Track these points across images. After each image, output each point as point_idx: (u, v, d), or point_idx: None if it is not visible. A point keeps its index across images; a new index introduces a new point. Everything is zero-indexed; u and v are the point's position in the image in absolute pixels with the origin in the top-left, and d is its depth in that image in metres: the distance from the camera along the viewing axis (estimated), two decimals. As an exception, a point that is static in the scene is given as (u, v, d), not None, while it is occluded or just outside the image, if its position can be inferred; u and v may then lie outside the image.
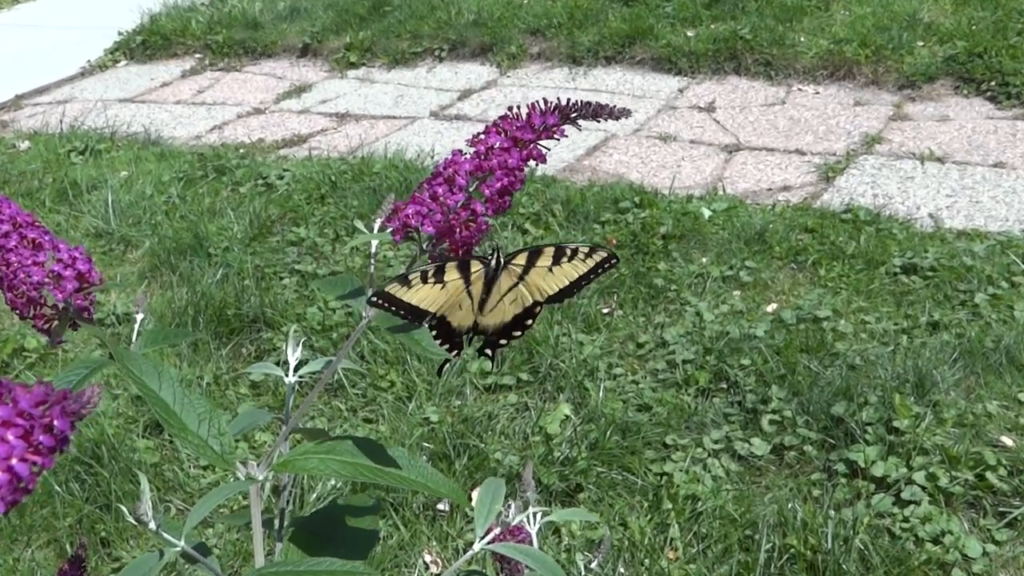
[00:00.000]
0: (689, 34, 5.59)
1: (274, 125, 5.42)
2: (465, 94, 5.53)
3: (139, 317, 1.07)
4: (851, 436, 2.50)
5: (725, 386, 2.77)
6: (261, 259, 3.62)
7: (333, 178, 4.16)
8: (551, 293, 1.00)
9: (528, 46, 5.90)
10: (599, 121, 0.96)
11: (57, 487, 2.57)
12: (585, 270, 0.99)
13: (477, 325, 0.99)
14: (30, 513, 2.57)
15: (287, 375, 1.16)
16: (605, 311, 3.17)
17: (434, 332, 0.97)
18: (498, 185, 0.93)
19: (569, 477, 2.44)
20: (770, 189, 4.12)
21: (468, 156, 0.95)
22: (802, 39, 5.32)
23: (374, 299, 0.94)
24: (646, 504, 2.36)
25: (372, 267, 1.08)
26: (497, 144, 0.94)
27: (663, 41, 5.56)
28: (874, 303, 3.13)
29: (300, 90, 5.93)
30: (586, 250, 1.01)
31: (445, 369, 2.87)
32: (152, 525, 0.88)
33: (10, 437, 0.55)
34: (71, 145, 4.97)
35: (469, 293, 0.97)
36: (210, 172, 4.46)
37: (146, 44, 6.88)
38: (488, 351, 1.01)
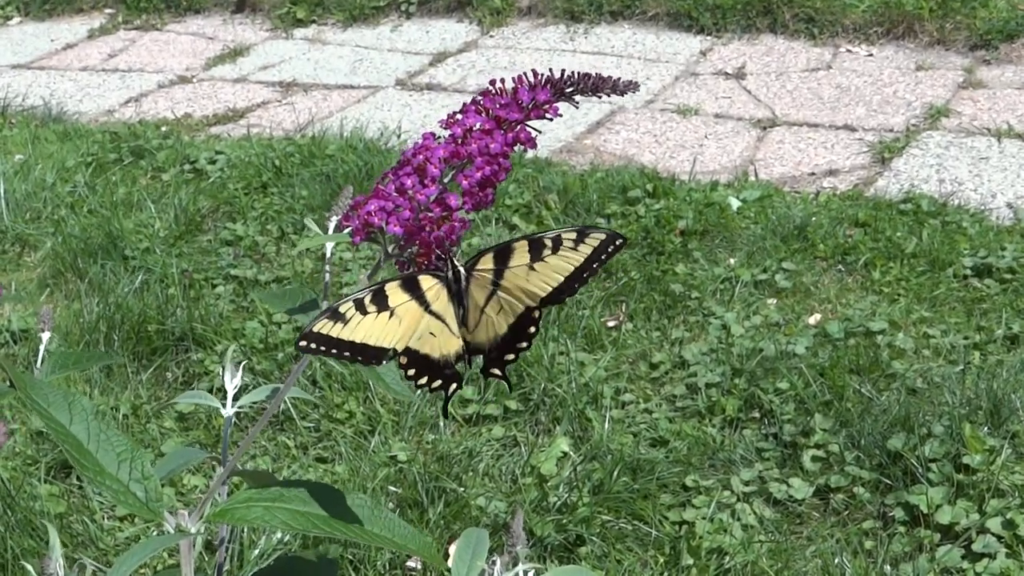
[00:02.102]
0: (713, -17, 5.65)
1: (204, 97, 5.45)
2: (439, 58, 5.57)
3: (44, 336, 1.10)
4: (911, 475, 2.54)
5: (758, 415, 2.81)
6: (189, 262, 3.65)
7: (277, 162, 4.20)
8: (543, 295, 1.02)
9: (516, -1, 5.95)
10: (600, 97, 0.99)
11: (-61, 544, 2.60)
12: (581, 260, 1.01)
13: (469, 345, 1.01)
14: (-94, 576, 2.59)
15: (224, 406, 1.19)
16: (611, 324, 3.21)
17: (410, 371, 0.99)
18: (478, 176, 0.97)
19: (568, 527, 2.47)
20: (813, 174, 4.17)
21: (442, 140, 0.98)
22: (851, -11, 5.38)
23: (303, 343, 0.95)
24: (662, 559, 2.39)
25: (327, 274, 1.12)
26: (477, 125, 0.97)
27: (681, -8, 5.62)
28: (939, 313, 3.17)
29: (236, 53, 5.96)
30: (572, 236, 1.03)
31: (417, 402, 2.90)
32: (65, 588, 0.90)
33: None
34: (-49, 122, 4.99)
35: (435, 314, 1.00)
36: (125, 155, 4.48)
37: (45, -3, 6.91)
38: (495, 370, 1.03)
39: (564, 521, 2.50)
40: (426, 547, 1.00)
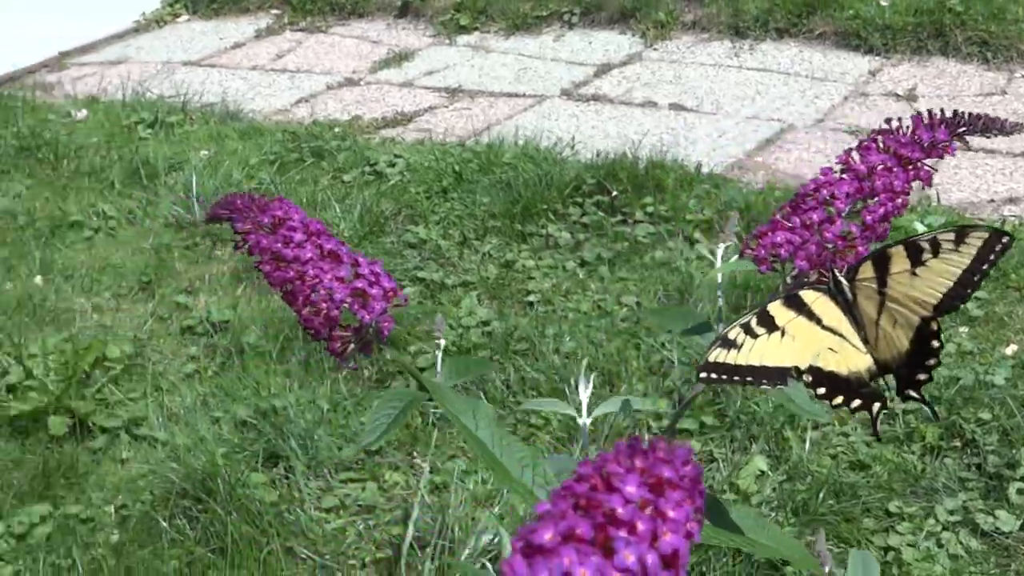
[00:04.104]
0: (883, 3, 5.61)
1: (372, 100, 5.57)
2: (603, 69, 5.62)
3: (440, 343, 1.15)
4: (1122, 513, 2.52)
5: (959, 444, 2.80)
6: (376, 263, 3.75)
7: (457, 168, 4.28)
8: (935, 303, 1.01)
9: (680, 13, 5.97)
10: (988, 137, 1.01)
11: (164, 523, 2.72)
12: (967, 262, 0.99)
13: (878, 363, 1.02)
14: (128, 553, 2.71)
15: (580, 415, 1.24)
16: (801, 344, 3.22)
17: (819, 389, 1.01)
18: (880, 211, 1.00)
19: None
20: (992, 200, 4.13)
21: (842, 176, 1.02)
22: (1027, 14, 5.31)
23: (703, 374, 0.98)
24: (872, 583, 2.41)
25: (720, 299, 1.16)
26: (879, 163, 1.00)
27: (850, 11, 5.59)
28: None
29: (400, 58, 6.08)
30: (950, 237, 1.01)
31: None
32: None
33: (670, 507, 0.61)
34: (137, 116, 5.17)
35: (829, 329, 1.01)
36: (306, 155, 4.61)
37: (213, -4, 7.12)
38: (911, 392, 1.04)
39: (769, 539, 2.53)
40: (806, 558, 1.04)
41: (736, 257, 1.12)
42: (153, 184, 4.46)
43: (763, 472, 2.77)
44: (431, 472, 2.89)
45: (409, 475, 2.91)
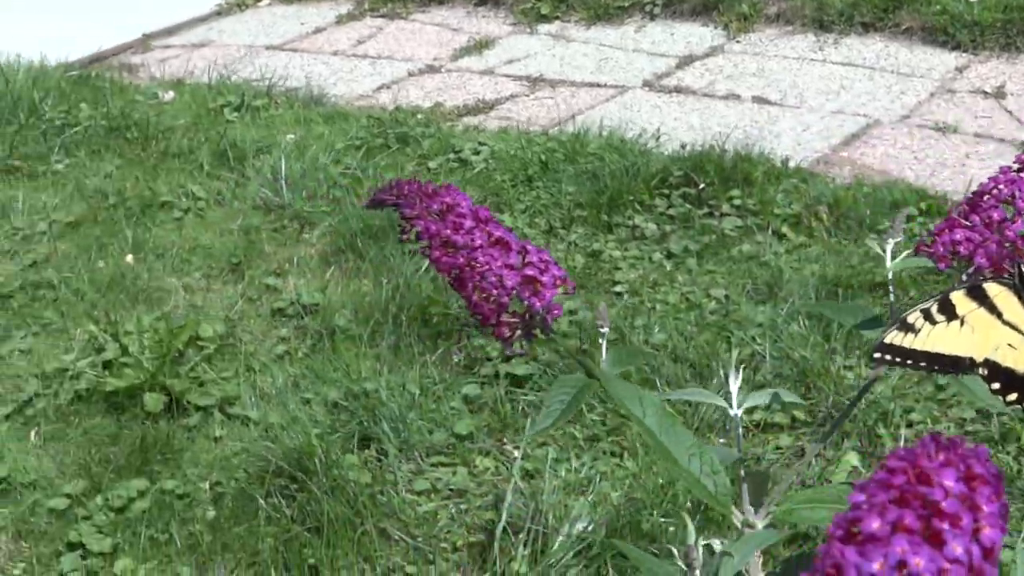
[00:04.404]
0: (971, -1, 5.55)
1: (453, 87, 5.60)
2: (685, 61, 5.61)
3: (604, 331, 1.16)
4: None
5: (1056, 446, 2.78)
6: (463, 250, 3.77)
7: (542, 157, 4.29)
8: None
9: (763, 5, 5.94)
10: None
11: (261, 500, 2.76)
12: None
13: None
14: (224, 529, 2.76)
15: (731, 406, 1.25)
16: (892, 342, 3.20)
17: (994, 383, 1.00)
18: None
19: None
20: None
21: (1020, 174, 1.01)
22: (1120, 13, 5.22)
23: (877, 355, 0.99)
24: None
25: (892, 294, 1.15)
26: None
27: (937, 6, 5.52)
28: None
29: (481, 46, 6.09)
30: None
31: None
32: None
33: (983, 501, 0.62)
34: (223, 99, 5.24)
35: (1010, 325, 1.00)
36: (391, 141, 4.65)
37: (295, -19, 7.18)
38: None
39: (863, 535, 2.52)
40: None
41: (907, 254, 1.13)
42: (241, 166, 4.52)
43: (855, 468, 2.76)
44: (522, 459, 2.91)
45: (499, 461, 2.93)
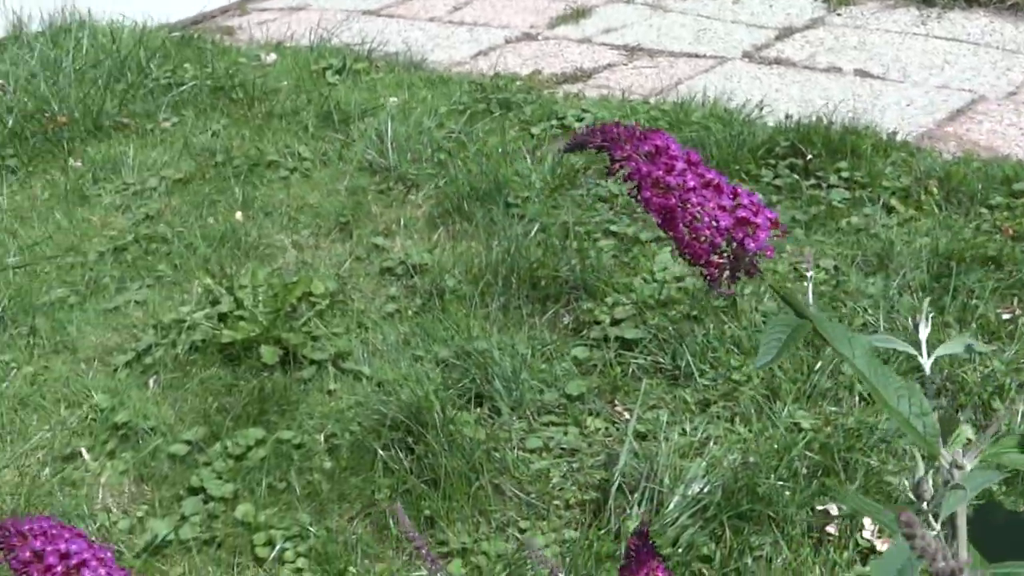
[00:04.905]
0: (1080, -24, 5.45)
1: (550, 55, 5.60)
2: (785, 32, 5.56)
3: (810, 275, 1.17)
4: None
5: None
6: (568, 214, 3.79)
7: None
8: None
9: (865, -22, 5.87)
10: None
11: (380, 451, 2.81)
12: None
13: None
14: (341, 479, 2.81)
15: (920, 354, 1.26)
16: (1006, 316, 3.18)
17: None
18: None
19: (988, 513, 2.49)
20: None
21: None
22: None
23: None
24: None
25: None
26: None
27: (1044, -17, 5.43)
28: None
29: (578, 14, 6.09)
30: None
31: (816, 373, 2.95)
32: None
33: None
34: (325, 62, 5.29)
35: None
36: (494, 107, 4.67)
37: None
38: None
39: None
40: None
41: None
42: (346, 128, 4.56)
43: (969, 440, 2.74)
44: (630, 421, 2.93)
45: (610, 422, 2.96)
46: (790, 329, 1.02)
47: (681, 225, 1.02)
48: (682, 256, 1.05)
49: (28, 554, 0.92)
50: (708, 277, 1.04)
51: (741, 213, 1.01)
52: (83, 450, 3.01)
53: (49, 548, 0.91)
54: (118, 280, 3.74)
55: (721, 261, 1.03)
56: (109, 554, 0.93)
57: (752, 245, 1.01)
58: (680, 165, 1.04)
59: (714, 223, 1.01)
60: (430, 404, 2.87)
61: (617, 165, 1.07)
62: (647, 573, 1.19)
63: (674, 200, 1.02)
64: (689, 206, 1.02)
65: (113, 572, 0.91)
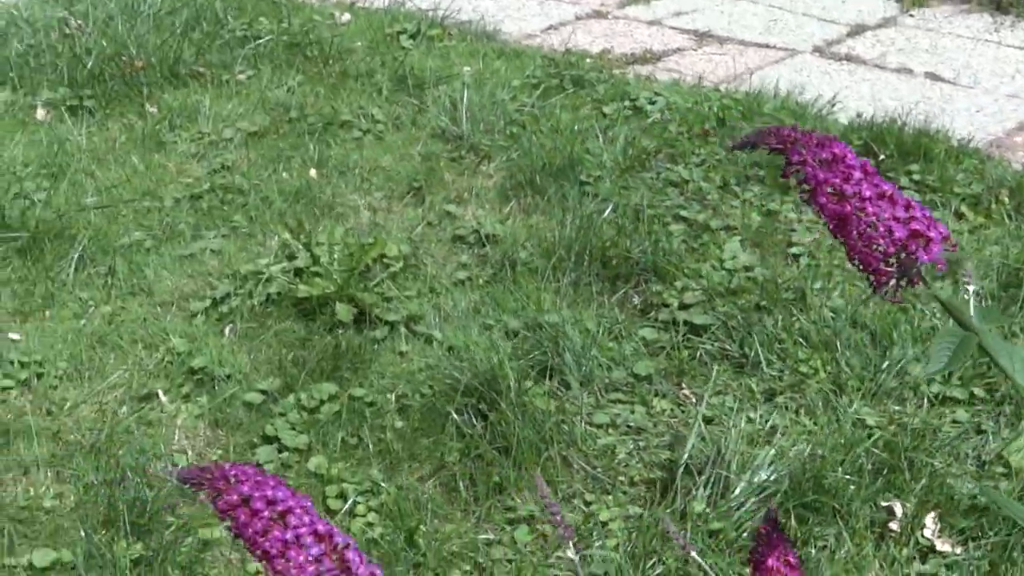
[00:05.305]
0: None
1: (620, 34, 5.63)
2: (857, 30, 5.57)
3: (970, 288, 1.20)
4: None
5: None
6: (639, 197, 3.83)
7: (719, 113, 4.32)
8: None
9: (939, -19, 5.86)
10: None
11: (454, 415, 2.87)
12: None
13: None
14: (412, 439, 2.88)
15: None
16: (1072, 331, 3.21)
17: None
18: None
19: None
20: None
21: None
22: None
23: None
24: None
25: None
26: None
27: (1121, -2, 5.42)
28: None
29: (646, -4, 6.11)
30: None
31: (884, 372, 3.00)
32: None
33: None
34: (399, 26, 5.33)
35: None
36: (566, 83, 4.70)
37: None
38: None
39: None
40: None
41: None
42: (420, 93, 4.61)
43: (1032, 450, 2.79)
44: (697, 405, 2.99)
45: (676, 404, 3.01)
46: (958, 340, 1.07)
47: (855, 232, 1.07)
48: (851, 262, 1.10)
49: (236, 498, 0.98)
50: (875, 284, 1.09)
51: (915, 226, 1.06)
52: (160, 392, 3.08)
53: (257, 494, 0.97)
54: (193, 227, 3.81)
55: (889, 270, 1.08)
56: (309, 503, 0.99)
57: (925, 257, 1.06)
58: (857, 175, 1.09)
59: (888, 233, 1.06)
60: (504, 373, 2.93)
61: (792, 169, 1.12)
62: (778, 557, 1.25)
63: (849, 208, 1.07)
64: (864, 215, 1.07)
65: (316, 521, 0.97)
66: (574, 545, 2.59)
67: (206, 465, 1.03)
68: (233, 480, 0.99)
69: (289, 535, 0.96)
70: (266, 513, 0.97)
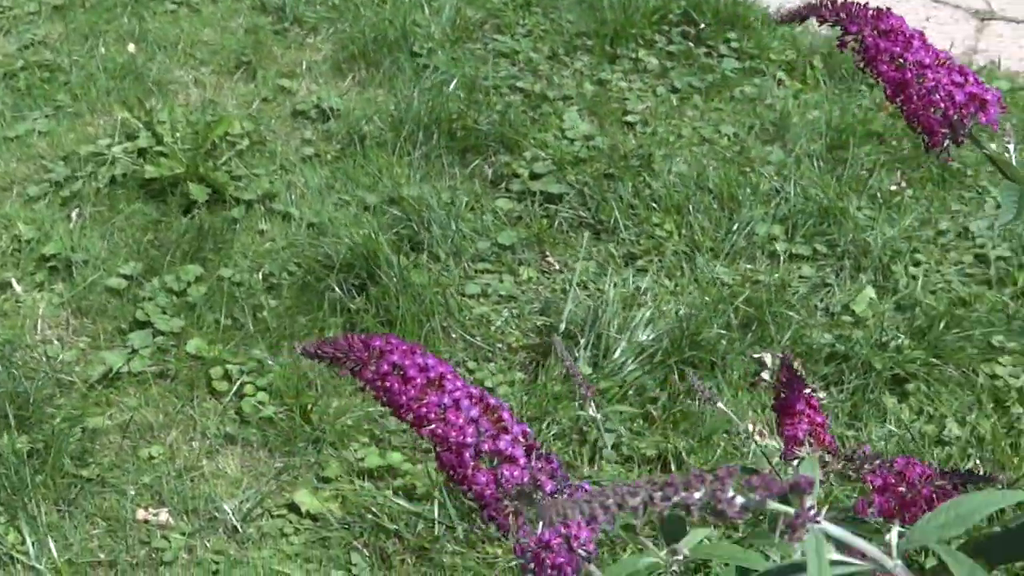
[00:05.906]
0: None
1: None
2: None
3: (1010, 145, 1.26)
4: None
5: (1048, 290, 3.08)
6: (473, 68, 3.84)
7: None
8: None
9: None
10: None
11: (333, 290, 2.86)
12: None
13: None
14: (288, 316, 2.86)
15: None
16: (892, 188, 3.45)
17: None
18: None
19: (900, 365, 2.76)
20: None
21: None
22: None
23: None
24: (990, 404, 2.69)
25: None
26: None
27: None
28: None
29: None
30: None
31: (734, 231, 3.15)
32: None
33: None
34: None
35: None
36: (380, -48, 4.61)
37: None
38: None
39: (892, 359, 2.78)
40: None
41: None
42: (230, -36, 4.43)
43: (871, 300, 3.01)
44: (561, 271, 3.07)
45: (540, 272, 3.09)
46: (1019, 193, 1.17)
47: (914, 96, 1.14)
48: (909, 124, 1.18)
49: (387, 367, 0.98)
50: (931, 144, 1.17)
51: (972, 89, 1.14)
52: (13, 281, 2.94)
53: (408, 362, 0.98)
54: (12, 108, 3.59)
55: (944, 131, 1.16)
56: (452, 369, 1.00)
57: (984, 119, 1.14)
58: (917, 43, 1.16)
59: (949, 97, 1.14)
60: (380, 247, 2.93)
61: (850, 39, 1.18)
62: (802, 398, 1.34)
63: (909, 74, 1.14)
64: (925, 80, 1.14)
65: (467, 386, 0.99)
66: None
67: (333, 337, 1.02)
68: (377, 351, 1.00)
69: (447, 399, 0.97)
70: (419, 380, 0.98)
